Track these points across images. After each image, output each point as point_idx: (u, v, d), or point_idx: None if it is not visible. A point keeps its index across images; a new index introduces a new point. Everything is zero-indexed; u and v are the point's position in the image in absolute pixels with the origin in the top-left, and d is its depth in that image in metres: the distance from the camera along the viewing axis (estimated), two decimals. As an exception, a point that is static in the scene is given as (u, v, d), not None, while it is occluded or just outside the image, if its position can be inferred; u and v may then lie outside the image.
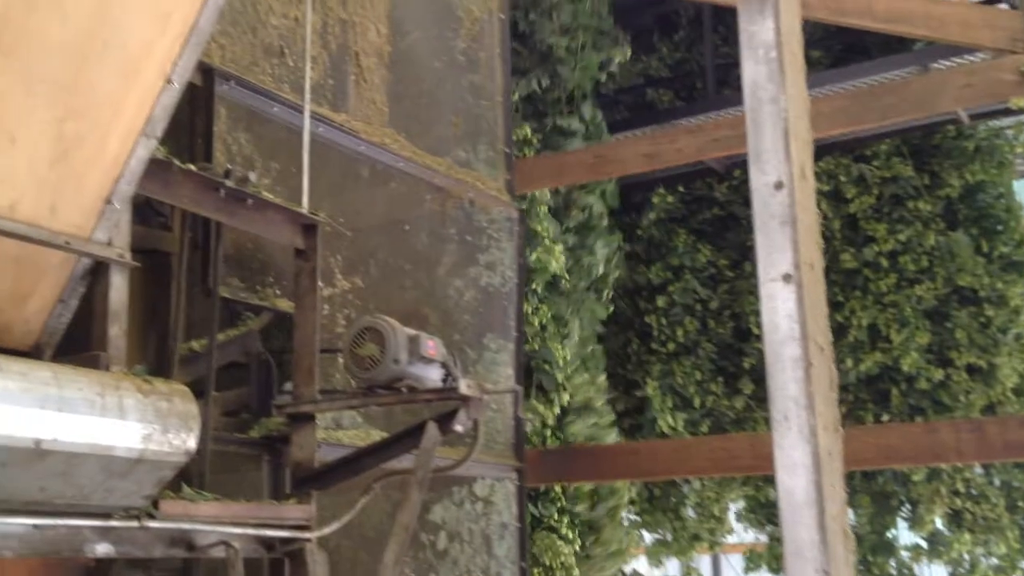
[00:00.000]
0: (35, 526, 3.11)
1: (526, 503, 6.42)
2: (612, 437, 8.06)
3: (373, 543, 5.19)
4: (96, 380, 3.00)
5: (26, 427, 2.73)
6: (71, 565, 3.89)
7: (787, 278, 2.87)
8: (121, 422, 2.99)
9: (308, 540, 4.03)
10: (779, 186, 2.91)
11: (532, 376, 7.47)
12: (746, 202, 9.83)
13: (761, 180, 2.98)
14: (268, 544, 4.03)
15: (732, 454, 6.54)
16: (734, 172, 9.84)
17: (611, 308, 9.06)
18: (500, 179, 6.70)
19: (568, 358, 7.83)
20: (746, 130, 3.00)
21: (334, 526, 4.06)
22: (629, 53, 9.09)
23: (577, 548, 7.49)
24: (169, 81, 3.38)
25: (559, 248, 7.94)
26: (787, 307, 2.87)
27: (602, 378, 8.35)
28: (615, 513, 7.88)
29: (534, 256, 7.58)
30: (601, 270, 8.74)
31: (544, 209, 7.95)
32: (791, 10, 3.03)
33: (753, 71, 2.99)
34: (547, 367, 7.51)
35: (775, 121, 2.95)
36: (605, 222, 8.87)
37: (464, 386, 3.92)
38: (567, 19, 8.66)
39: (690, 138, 6.89)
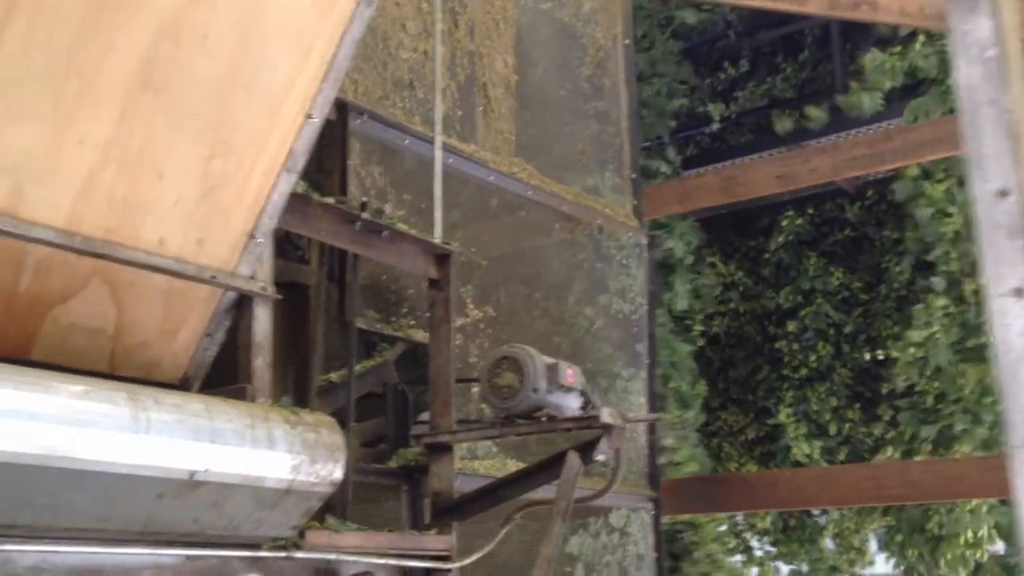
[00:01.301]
0: (188, 557, 3.16)
1: (662, 533, 6.28)
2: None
3: (505, 573, 5.14)
4: (246, 412, 3.03)
5: (181, 459, 2.77)
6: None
7: (1019, 292, 2.70)
8: (271, 453, 3.01)
9: (449, 570, 4.00)
10: (1004, 194, 2.75)
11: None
12: (879, 223, 9.61)
13: (983, 188, 2.81)
14: (409, 574, 4.02)
15: (879, 483, 6.27)
16: (866, 192, 9.54)
17: (696, 345, 8.83)
18: (628, 205, 6.64)
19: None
20: (963, 135, 2.83)
21: (475, 556, 4.02)
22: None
23: None
24: (310, 116, 3.43)
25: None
26: (1020, 324, 2.69)
27: (691, 413, 8.14)
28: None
29: None
30: (684, 306, 8.53)
31: None
32: (1008, 4, 2.87)
33: (967, 72, 2.84)
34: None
35: (996, 124, 2.78)
36: (688, 261, 8.70)
37: (606, 414, 3.84)
38: (643, 66, 8.61)
39: (824, 157, 6.70)
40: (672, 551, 7.26)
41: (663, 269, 8.23)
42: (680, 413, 7.63)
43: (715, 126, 9.21)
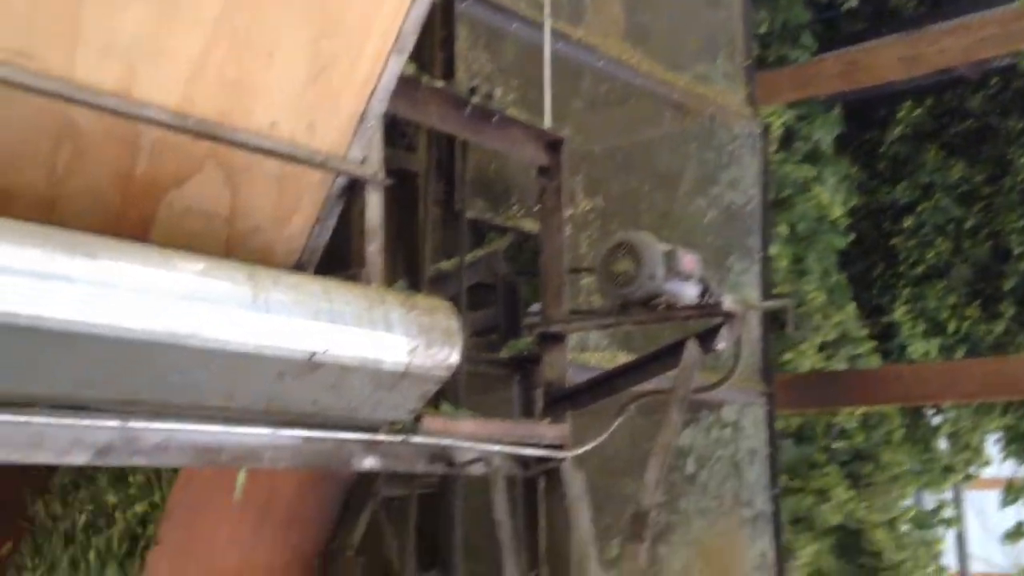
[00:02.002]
0: (306, 439, 3.17)
1: (776, 429, 6.17)
2: (876, 364, 7.65)
3: (615, 468, 5.12)
4: (362, 294, 3.00)
5: (300, 339, 2.75)
6: (335, 479, 3.99)
7: None
8: (388, 336, 2.98)
9: (564, 459, 3.97)
10: None
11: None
12: (1004, 112, 9.09)
13: None
14: (524, 463, 4.01)
15: (1009, 377, 6.00)
16: (991, 80, 9.02)
17: (850, 237, 8.57)
18: (741, 93, 6.39)
19: (812, 293, 7.49)
20: None
21: (590, 445, 3.98)
22: None
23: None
24: (418, -5, 3.31)
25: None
26: None
27: (851, 306, 7.91)
28: (890, 437, 7.52)
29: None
30: (831, 199, 8.25)
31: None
32: None
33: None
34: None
35: None
36: (831, 150, 8.37)
37: (728, 301, 3.72)
38: None
39: (954, 39, 6.28)
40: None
41: (806, 161, 7.96)
42: (809, 301, 7.42)
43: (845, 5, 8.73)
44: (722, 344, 3.77)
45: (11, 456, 2.56)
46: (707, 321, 3.90)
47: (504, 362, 4.49)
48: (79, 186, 2.81)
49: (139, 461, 2.85)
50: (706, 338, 3.79)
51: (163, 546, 3.43)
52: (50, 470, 4.13)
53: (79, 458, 2.69)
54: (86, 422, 2.58)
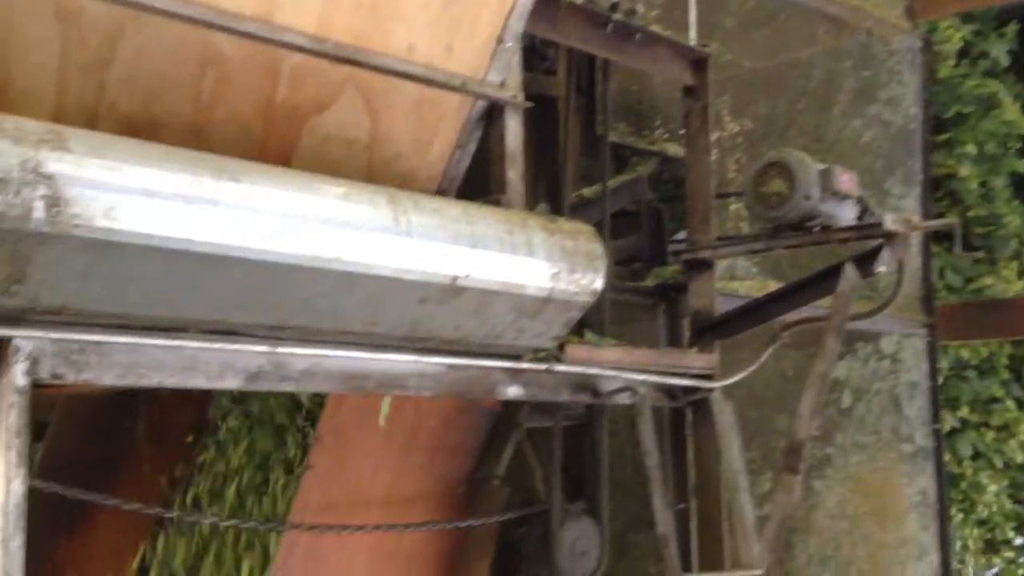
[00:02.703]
0: (450, 366, 3.15)
1: (937, 361, 5.87)
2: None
3: (765, 401, 4.97)
4: (504, 218, 2.93)
5: (442, 263, 2.71)
6: (479, 409, 3.98)
7: None
8: (530, 260, 2.91)
9: (712, 389, 3.85)
10: None
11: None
12: None
13: None
14: (670, 393, 3.91)
15: None
16: None
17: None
18: (898, 6, 5.99)
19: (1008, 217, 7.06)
20: None
21: (741, 375, 3.84)
22: None
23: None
24: (555, -95, 3.17)
25: None
26: None
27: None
28: None
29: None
30: (1010, 118, 7.70)
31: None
32: None
33: None
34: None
35: None
36: (1007, 67, 7.80)
37: (889, 220, 3.49)
38: None
39: None
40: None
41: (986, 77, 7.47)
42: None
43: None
44: (882, 267, 3.55)
45: (166, 380, 2.61)
46: (864, 245, 3.68)
47: (648, 291, 4.37)
48: (223, 114, 2.82)
49: (288, 387, 2.87)
50: (865, 261, 3.57)
51: (314, 471, 3.48)
52: (207, 404, 4.28)
53: (231, 383, 2.73)
54: (236, 347, 2.61)
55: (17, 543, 2.24)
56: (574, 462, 4.05)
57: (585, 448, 4.07)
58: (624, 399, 3.63)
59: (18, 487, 2.25)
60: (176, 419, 4.57)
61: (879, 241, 3.54)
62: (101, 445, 4.55)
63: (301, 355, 2.79)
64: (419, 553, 3.76)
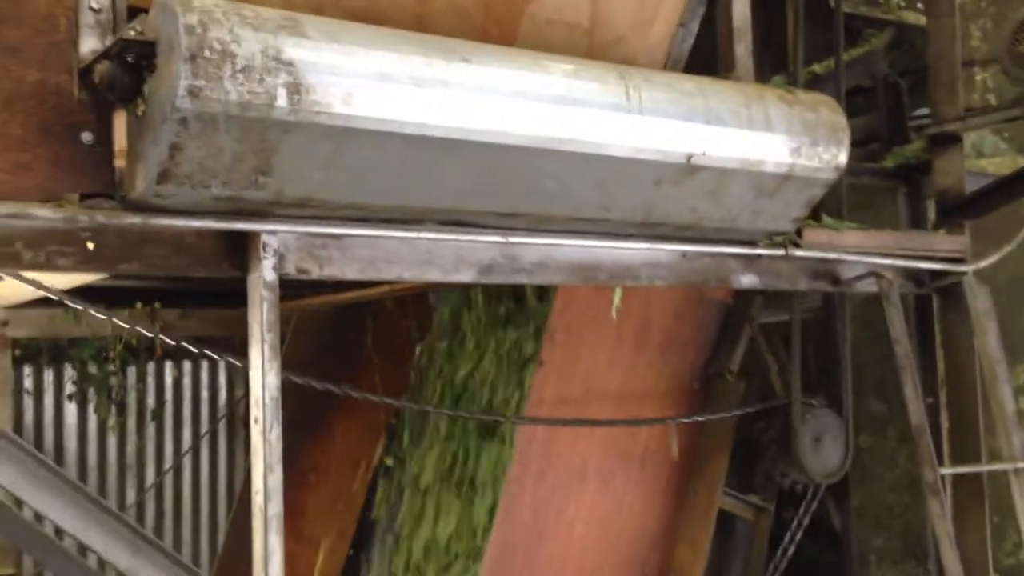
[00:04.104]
0: (683, 254, 3.03)
1: None
2: None
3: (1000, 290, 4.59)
4: (739, 91, 2.75)
5: (676, 141, 2.58)
6: (711, 302, 3.85)
7: None
8: (768, 135, 2.73)
9: (965, 273, 3.56)
10: None
11: None
12: None
13: None
14: (916, 279, 3.65)
15: None
16: None
17: None
18: None
19: None
20: None
21: (995, 256, 3.53)
22: None
23: None
24: None
25: None
26: None
27: None
28: None
29: None
30: None
31: None
32: None
33: None
34: None
35: None
36: None
37: None
38: None
39: None
40: None
41: None
42: None
43: None
44: None
45: (404, 273, 2.62)
46: None
47: (888, 173, 4.08)
48: (443, 3, 2.77)
49: (520, 279, 2.84)
50: None
51: (547, 367, 3.46)
52: (430, 313, 4.33)
53: (464, 275, 2.72)
54: (469, 237, 2.58)
55: (276, 434, 2.31)
56: (811, 355, 3.86)
57: (824, 340, 3.87)
58: (867, 286, 3.41)
59: (273, 379, 2.31)
60: (402, 328, 4.68)
61: None
62: (332, 358, 4.72)
63: (532, 245, 2.74)
64: (654, 450, 3.70)
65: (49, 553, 1.37)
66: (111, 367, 5.53)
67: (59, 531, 4.81)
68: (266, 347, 2.31)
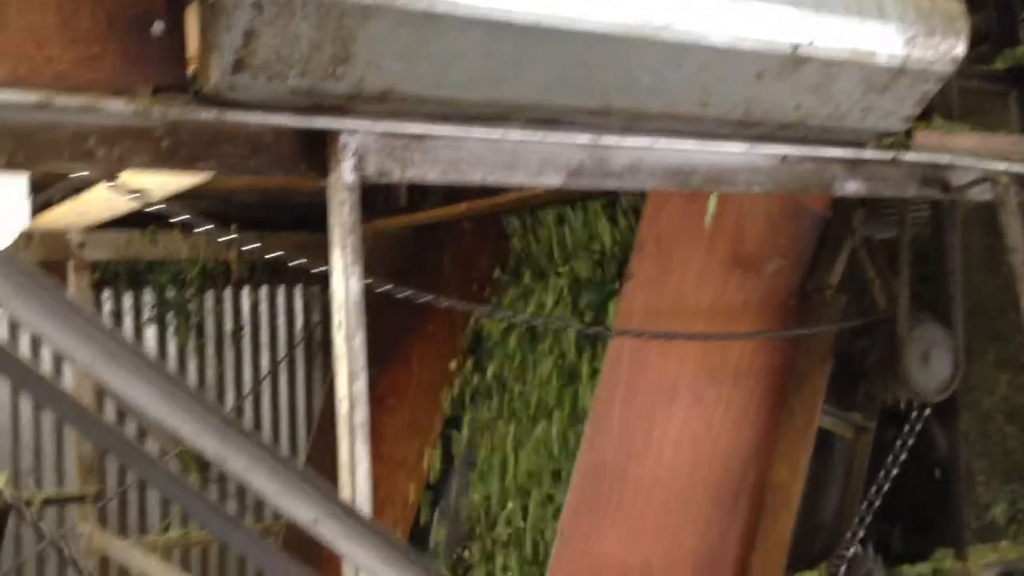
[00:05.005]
0: (783, 158, 2.85)
1: None
2: None
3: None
4: (848, -25, 2.54)
5: (782, 29, 2.39)
6: (809, 213, 3.66)
7: None
8: (880, 23, 2.52)
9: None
10: None
11: None
12: None
13: None
14: (1031, 185, 3.41)
15: None
16: None
17: None
18: None
19: None
20: None
21: None
22: None
23: None
24: None
25: None
26: None
27: None
28: None
29: None
30: None
31: None
32: None
33: None
34: None
35: None
36: None
37: None
38: None
39: None
40: None
41: None
42: None
43: None
44: None
45: (488, 177, 2.49)
46: None
47: (998, 76, 3.82)
48: None
49: (610, 184, 2.69)
50: None
51: (636, 279, 3.32)
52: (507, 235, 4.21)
53: (551, 179, 2.57)
54: (558, 136, 2.43)
55: (359, 340, 2.21)
56: (917, 269, 3.66)
57: (931, 253, 3.66)
58: (981, 193, 3.19)
59: (355, 284, 2.21)
60: (479, 249, 4.57)
61: None
62: (409, 278, 4.63)
63: (623, 148, 2.59)
64: (747, 367, 3.55)
65: (132, 457, 1.30)
66: (189, 292, 5.52)
67: (142, 433, 4.82)
68: (348, 251, 2.21)
